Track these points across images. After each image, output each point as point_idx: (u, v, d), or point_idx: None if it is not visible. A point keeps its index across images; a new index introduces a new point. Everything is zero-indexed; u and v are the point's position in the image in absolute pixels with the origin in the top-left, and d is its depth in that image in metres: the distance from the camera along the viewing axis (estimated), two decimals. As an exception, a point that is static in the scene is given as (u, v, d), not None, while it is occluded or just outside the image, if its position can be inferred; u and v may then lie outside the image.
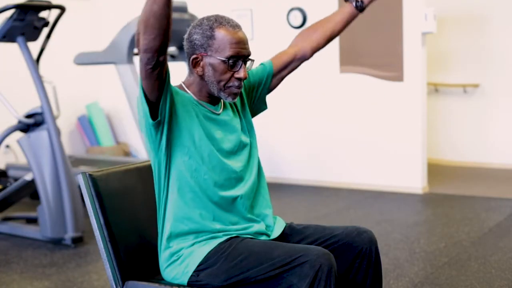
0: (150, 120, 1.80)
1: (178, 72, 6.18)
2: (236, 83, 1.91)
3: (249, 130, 2.06)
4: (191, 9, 4.94)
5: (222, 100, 2.00)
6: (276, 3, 5.94)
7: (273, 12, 5.96)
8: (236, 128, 2.00)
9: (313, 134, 5.90)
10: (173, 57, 5.13)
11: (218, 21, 1.90)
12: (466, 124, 6.59)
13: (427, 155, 5.68)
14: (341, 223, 4.41)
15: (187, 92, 1.94)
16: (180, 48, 5.02)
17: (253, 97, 2.12)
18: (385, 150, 5.56)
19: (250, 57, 1.93)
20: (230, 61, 1.88)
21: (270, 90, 2.16)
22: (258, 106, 2.15)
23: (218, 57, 1.87)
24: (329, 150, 5.84)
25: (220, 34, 1.87)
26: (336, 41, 5.65)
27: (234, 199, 1.92)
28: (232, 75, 1.90)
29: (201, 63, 1.90)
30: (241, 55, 1.89)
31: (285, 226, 2.06)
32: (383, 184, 5.57)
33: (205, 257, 1.85)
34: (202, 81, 1.92)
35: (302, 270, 1.71)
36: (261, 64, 2.16)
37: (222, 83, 1.90)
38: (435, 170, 6.18)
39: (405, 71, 5.37)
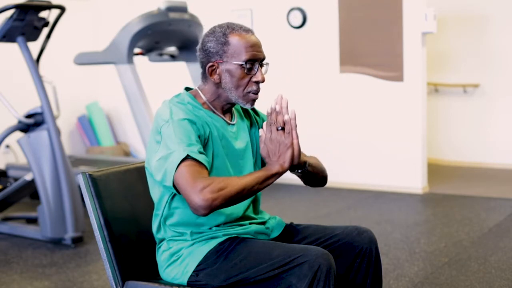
0: None
1: (178, 72, 6.20)
2: (255, 88, 1.91)
3: (253, 139, 2.07)
4: (191, 9, 4.94)
5: (234, 111, 2.02)
6: (276, 3, 5.94)
7: (273, 12, 5.97)
8: (246, 139, 2.02)
9: (313, 134, 5.90)
10: (173, 57, 5.13)
11: (231, 27, 1.90)
12: (466, 124, 6.59)
13: (427, 155, 5.68)
14: (341, 223, 4.41)
15: (200, 103, 1.94)
16: (180, 48, 5.02)
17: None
18: (385, 150, 5.56)
19: (265, 61, 1.94)
20: (247, 65, 1.88)
21: None
22: None
23: (235, 62, 1.88)
24: (329, 150, 5.84)
25: (234, 39, 1.88)
26: (336, 41, 5.66)
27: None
28: (250, 79, 1.90)
29: (218, 71, 1.90)
30: (257, 58, 1.90)
31: (285, 226, 2.07)
32: (383, 184, 5.57)
33: (204, 257, 1.85)
34: (219, 89, 1.93)
35: (301, 271, 1.71)
36: None
37: (241, 88, 1.90)
38: (435, 170, 6.18)
39: (405, 71, 5.37)
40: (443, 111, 6.70)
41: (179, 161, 1.75)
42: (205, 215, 1.73)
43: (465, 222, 4.38)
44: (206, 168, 1.78)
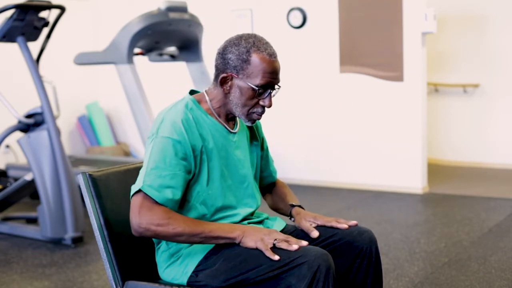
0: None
1: (178, 72, 6.19)
2: (260, 110, 1.92)
3: (253, 151, 2.09)
4: (191, 9, 4.94)
5: (238, 119, 2.02)
6: (276, 3, 5.94)
7: (273, 12, 5.96)
8: (247, 149, 2.03)
9: (313, 134, 5.90)
10: (173, 57, 5.13)
11: (256, 45, 1.87)
12: (466, 124, 6.59)
13: (427, 155, 5.68)
14: (341, 223, 4.41)
15: (204, 108, 1.93)
16: (180, 48, 5.02)
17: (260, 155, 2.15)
18: (385, 150, 5.56)
19: (278, 85, 1.92)
20: (260, 90, 1.87)
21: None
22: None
23: (249, 83, 1.86)
24: (329, 150, 5.84)
25: (256, 60, 1.86)
26: (336, 41, 5.66)
27: (235, 207, 1.95)
28: (258, 102, 1.90)
29: (230, 83, 1.89)
30: (271, 84, 1.89)
31: (285, 226, 2.07)
32: (383, 184, 5.57)
33: (203, 257, 1.86)
34: (226, 99, 1.92)
35: (301, 271, 1.71)
36: (271, 167, 2.23)
37: (247, 108, 1.90)
38: (435, 170, 6.18)
39: (405, 71, 5.37)
40: (443, 111, 6.70)
41: (136, 189, 1.80)
42: (136, 236, 1.81)
43: (465, 222, 4.38)
44: (159, 204, 1.79)
